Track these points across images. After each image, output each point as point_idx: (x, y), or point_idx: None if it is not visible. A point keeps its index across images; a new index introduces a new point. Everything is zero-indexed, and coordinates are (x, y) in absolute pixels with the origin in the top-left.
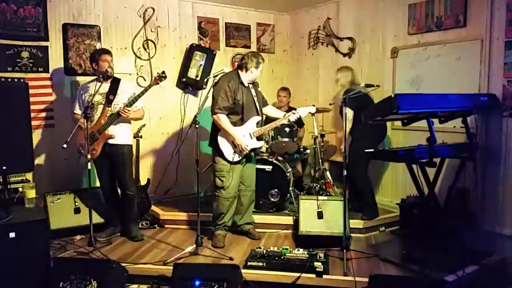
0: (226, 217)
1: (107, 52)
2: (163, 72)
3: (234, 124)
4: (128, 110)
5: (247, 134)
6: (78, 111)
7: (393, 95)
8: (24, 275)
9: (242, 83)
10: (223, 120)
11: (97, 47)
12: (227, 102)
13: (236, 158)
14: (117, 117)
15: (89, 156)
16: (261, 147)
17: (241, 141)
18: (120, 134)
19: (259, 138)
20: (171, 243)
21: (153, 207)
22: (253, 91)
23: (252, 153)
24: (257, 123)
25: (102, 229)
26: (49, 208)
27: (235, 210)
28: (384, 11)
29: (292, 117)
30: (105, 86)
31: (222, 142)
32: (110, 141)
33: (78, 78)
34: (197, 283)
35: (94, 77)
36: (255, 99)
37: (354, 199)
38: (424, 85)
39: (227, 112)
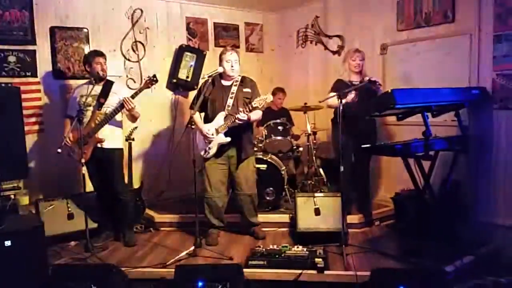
0: (211, 218)
1: (101, 54)
2: (154, 76)
3: (207, 120)
4: (132, 102)
5: (213, 130)
6: (70, 113)
7: (389, 90)
8: (22, 284)
9: (221, 81)
10: (194, 117)
11: (85, 50)
12: (196, 99)
13: (209, 154)
14: (109, 119)
15: (83, 160)
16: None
17: (203, 132)
18: (110, 138)
19: (227, 134)
20: (168, 245)
21: (148, 210)
22: (233, 88)
23: (248, 159)
24: (225, 118)
25: (97, 234)
26: (42, 215)
27: (241, 212)
28: (372, 8)
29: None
30: (98, 89)
31: (197, 139)
32: (99, 145)
33: (67, 82)
34: (200, 284)
35: (88, 80)
36: (229, 96)
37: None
38: (414, 80)
39: (198, 109)
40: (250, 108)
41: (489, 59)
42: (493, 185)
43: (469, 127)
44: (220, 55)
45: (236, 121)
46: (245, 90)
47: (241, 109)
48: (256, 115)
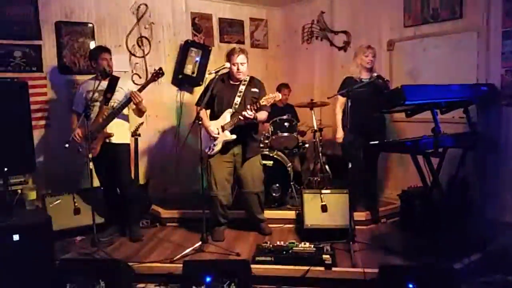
0: (217, 215)
1: (106, 50)
2: (160, 69)
3: (213, 117)
4: (139, 95)
5: (219, 127)
6: (77, 109)
7: (400, 87)
8: (30, 277)
9: (229, 79)
10: (200, 113)
11: (91, 45)
12: (203, 96)
13: (214, 150)
14: (117, 113)
15: (90, 156)
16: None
17: (209, 130)
18: (117, 133)
19: (232, 132)
20: (174, 241)
21: (154, 206)
22: (241, 87)
23: (254, 157)
24: (231, 115)
25: (104, 229)
26: (49, 210)
27: (247, 209)
28: (379, 4)
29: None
30: (104, 84)
31: (202, 136)
32: (108, 140)
33: (73, 77)
34: (208, 279)
35: (94, 75)
36: (237, 94)
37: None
38: (421, 77)
39: (204, 106)
40: (258, 106)
41: (498, 55)
42: (501, 182)
43: (478, 124)
44: (228, 55)
45: (243, 118)
46: (253, 90)
47: (248, 106)
48: (262, 115)
